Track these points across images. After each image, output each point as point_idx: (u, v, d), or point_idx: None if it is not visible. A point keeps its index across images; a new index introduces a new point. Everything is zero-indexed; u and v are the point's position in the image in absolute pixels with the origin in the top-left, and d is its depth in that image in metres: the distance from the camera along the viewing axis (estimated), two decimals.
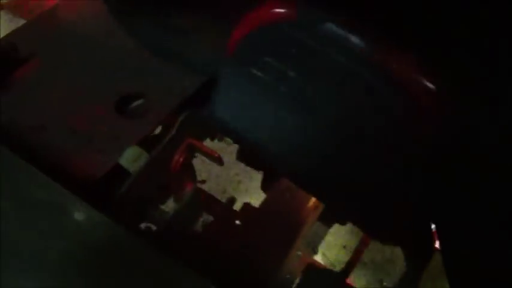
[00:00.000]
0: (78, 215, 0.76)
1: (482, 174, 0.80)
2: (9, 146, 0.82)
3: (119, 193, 0.87)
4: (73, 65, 1.01)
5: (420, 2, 0.75)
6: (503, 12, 0.70)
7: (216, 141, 1.15)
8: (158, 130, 0.99)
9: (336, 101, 0.85)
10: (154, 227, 0.93)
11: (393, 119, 0.81)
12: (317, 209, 1.00)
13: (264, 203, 0.97)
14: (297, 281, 0.95)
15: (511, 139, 0.76)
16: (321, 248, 1.41)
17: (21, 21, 1.76)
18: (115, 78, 0.99)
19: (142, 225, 0.96)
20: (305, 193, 0.97)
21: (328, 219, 1.06)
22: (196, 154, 1.02)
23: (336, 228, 1.20)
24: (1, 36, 1.05)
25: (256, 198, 2.04)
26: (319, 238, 1.06)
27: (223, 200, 1.03)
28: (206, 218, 0.95)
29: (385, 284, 1.80)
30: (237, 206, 1.04)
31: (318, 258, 1.59)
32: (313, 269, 0.96)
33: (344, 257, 1.87)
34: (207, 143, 1.14)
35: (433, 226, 0.89)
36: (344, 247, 1.87)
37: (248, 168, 1.15)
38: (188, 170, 1.07)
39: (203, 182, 1.94)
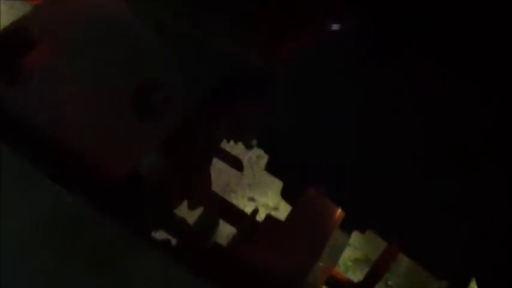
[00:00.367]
0: None
1: None
2: (19, 142, 0.78)
3: (137, 199, 0.84)
4: (88, 54, 0.94)
5: None
6: None
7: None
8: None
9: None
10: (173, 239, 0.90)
11: None
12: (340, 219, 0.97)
13: (290, 214, 0.93)
14: None
15: None
16: None
17: (22, 8, 1.69)
18: (133, 68, 0.93)
19: (161, 235, 0.92)
20: (330, 203, 0.94)
21: (347, 228, 1.03)
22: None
23: None
24: (2, 25, 0.99)
25: (260, 194, 2.03)
26: (340, 248, 1.03)
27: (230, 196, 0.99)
28: (229, 229, 0.92)
29: (389, 282, 1.80)
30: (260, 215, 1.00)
31: None
32: (336, 282, 0.94)
33: (348, 254, 1.86)
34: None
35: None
36: (349, 244, 1.85)
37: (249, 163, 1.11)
38: (207, 175, 1.04)
39: None
